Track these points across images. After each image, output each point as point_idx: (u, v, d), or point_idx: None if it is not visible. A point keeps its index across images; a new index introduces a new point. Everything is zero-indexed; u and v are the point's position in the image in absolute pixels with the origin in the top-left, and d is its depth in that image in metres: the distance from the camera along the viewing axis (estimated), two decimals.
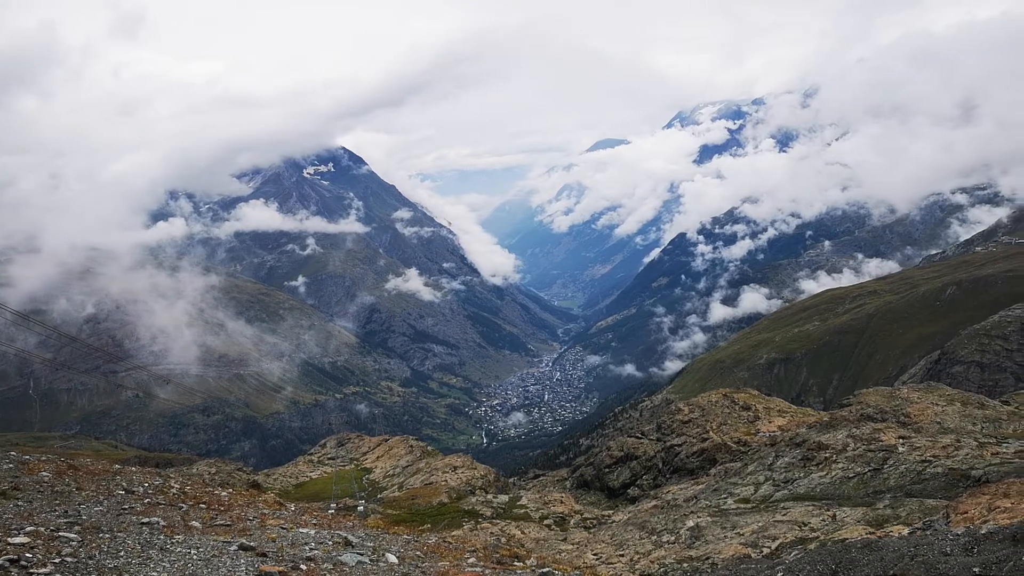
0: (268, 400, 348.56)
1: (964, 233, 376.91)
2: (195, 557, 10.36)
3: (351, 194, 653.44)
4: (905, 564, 12.18)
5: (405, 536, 16.09)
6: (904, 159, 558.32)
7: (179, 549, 10.79)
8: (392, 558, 11.86)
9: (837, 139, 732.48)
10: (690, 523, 38.73)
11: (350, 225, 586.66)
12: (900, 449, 41.85)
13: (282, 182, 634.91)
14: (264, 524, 14.58)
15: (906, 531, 23.12)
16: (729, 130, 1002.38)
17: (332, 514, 40.27)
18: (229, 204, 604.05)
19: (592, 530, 48.74)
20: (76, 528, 11.32)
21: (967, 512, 19.73)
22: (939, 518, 22.57)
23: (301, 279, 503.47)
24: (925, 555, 12.44)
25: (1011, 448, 37.82)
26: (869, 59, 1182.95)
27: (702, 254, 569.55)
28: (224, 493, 19.63)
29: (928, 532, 18.96)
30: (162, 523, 12.91)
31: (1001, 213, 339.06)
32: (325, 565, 10.83)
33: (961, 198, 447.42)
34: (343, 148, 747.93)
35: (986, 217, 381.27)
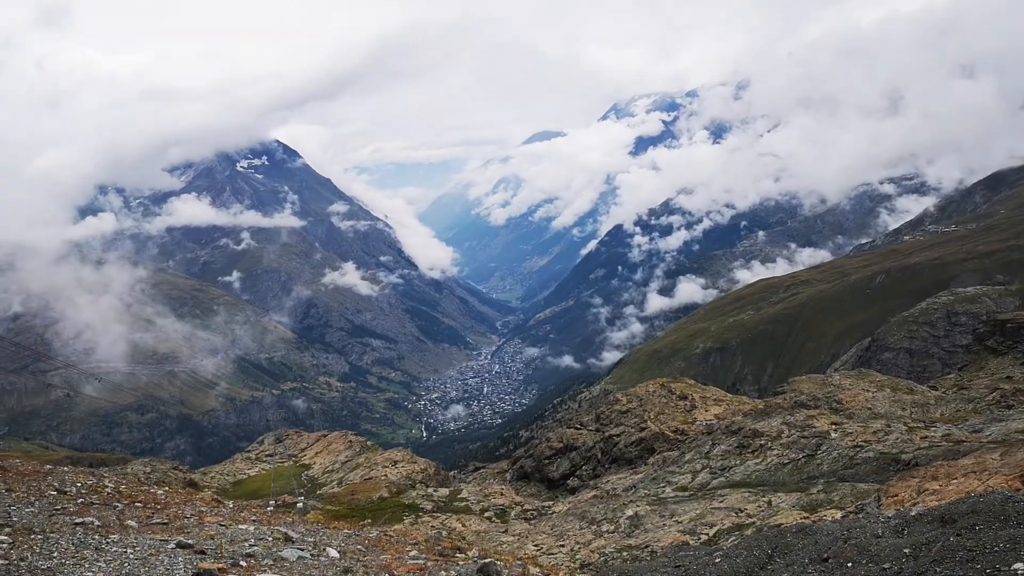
0: (203, 397, 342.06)
1: (893, 222, 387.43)
2: (131, 556, 10.08)
3: (286, 188, 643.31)
4: (839, 547, 12.42)
5: (346, 531, 15.92)
6: (834, 150, 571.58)
7: (115, 549, 10.48)
8: (333, 552, 11.70)
9: (769, 131, 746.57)
10: (629, 512, 39.13)
11: (285, 219, 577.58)
12: (833, 435, 42.88)
13: (215, 176, 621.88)
14: (202, 522, 14.26)
15: (839, 515, 23.68)
16: (664, 122, 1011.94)
17: (271, 511, 39.67)
18: (160, 199, 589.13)
19: (533, 521, 48.93)
20: (6, 530, 10.91)
21: (897, 495, 20.27)
22: (871, 502, 23.15)
23: (236, 274, 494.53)
24: (858, 538, 12.70)
25: (939, 432, 39.04)
26: (798, 52, 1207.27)
27: (639, 245, 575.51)
28: (160, 491, 19.15)
29: (860, 515, 19.45)
30: (96, 523, 12.53)
31: (928, 202, 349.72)
32: (265, 561, 10.63)
33: (889, 188, 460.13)
34: (277, 141, 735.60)
35: (913, 206, 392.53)
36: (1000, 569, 9.55)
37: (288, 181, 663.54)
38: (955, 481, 19.28)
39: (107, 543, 10.86)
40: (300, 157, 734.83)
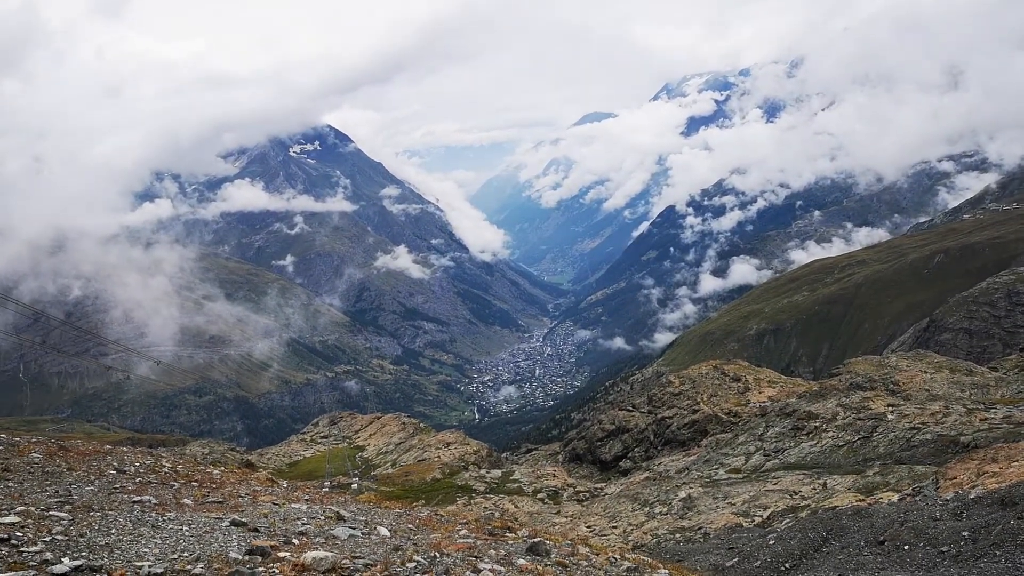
0: (258, 380, 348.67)
1: (952, 200, 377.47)
2: (187, 533, 10.34)
3: (338, 172, 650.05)
4: (895, 530, 12.26)
5: (397, 510, 16.12)
6: (891, 127, 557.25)
7: (170, 526, 10.76)
8: (384, 531, 11.86)
9: (824, 109, 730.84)
10: (682, 494, 39.00)
11: (338, 203, 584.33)
12: (889, 417, 42.13)
13: (268, 161, 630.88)
14: (256, 501, 14.57)
15: (895, 498, 23.29)
16: (716, 101, 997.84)
17: (327, 491, 40.49)
18: (215, 184, 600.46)
19: (585, 503, 49.05)
20: (67, 507, 11.27)
21: (956, 478, 19.87)
22: (928, 484, 22.73)
23: (289, 258, 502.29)
24: (915, 520, 12.52)
25: (999, 414, 38.11)
26: (854, 28, 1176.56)
27: (691, 226, 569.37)
28: (216, 471, 19.61)
29: (918, 498, 19.11)
30: (154, 501, 12.88)
31: (989, 179, 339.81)
32: (317, 539, 10.82)
33: (948, 165, 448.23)
34: (329, 126, 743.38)
35: (974, 184, 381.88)
36: None
37: (340, 165, 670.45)
38: (1016, 464, 18.82)
39: (163, 520, 11.16)
40: (351, 141, 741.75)
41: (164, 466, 18.15)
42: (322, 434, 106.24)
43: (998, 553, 10.15)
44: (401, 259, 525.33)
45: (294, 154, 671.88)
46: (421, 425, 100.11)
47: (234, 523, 11.20)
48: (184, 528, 10.65)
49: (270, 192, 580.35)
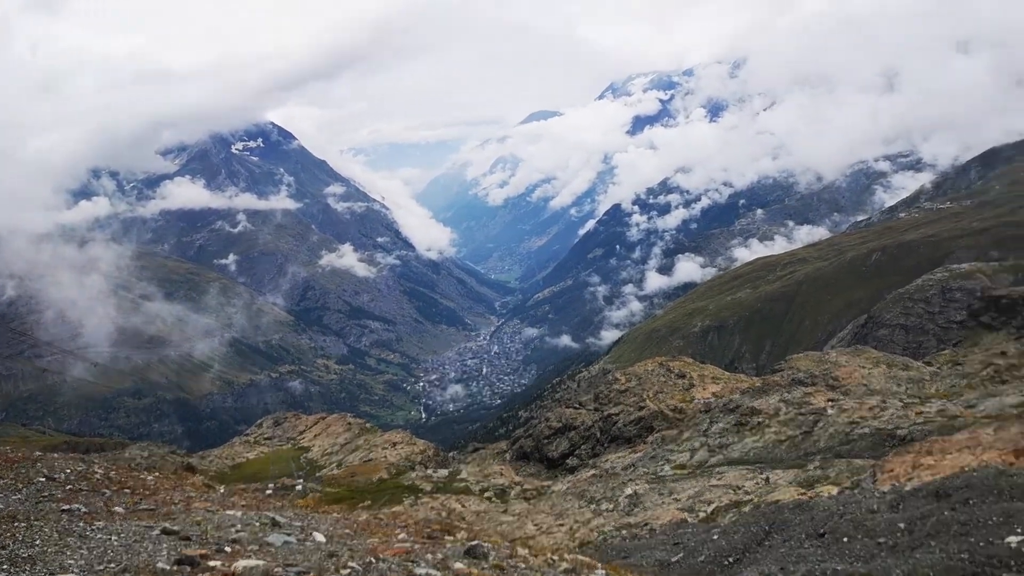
0: (199, 381, 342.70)
1: (889, 199, 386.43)
2: (115, 543, 9.98)
3: (281, 170, 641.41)
4: (835, 522, 12.39)
5: (335, 515, 15.84)
6: (830, 128, 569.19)
7: (99, 535, 10.38)
8: (320, 537, 11.61)
9: (765, 109, 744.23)
10: (628, 490, 39.21)
11: (281, 201, 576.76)
12: (829, 412, 42.92)
13: (209, 158, 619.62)
14: (190, 508, 14.17)
15: (835, 491, 23.68)
16: (661, 101, 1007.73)
17: (270, 494, 39.72)
18: (154, 182, 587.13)
19: (532, 501, 49.06)
20: None
21: (893, 470, 20.25)
22: (866, 477, 23.14)
23: (232, 257, 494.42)
24: (853, 513, 12.68)
25: (933, 408, 39.06)
26: (795, 29, 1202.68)
27: (637, 224, 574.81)
28: (150, 477, 19.06)
29: (856, 491, 19.42)
30: (83, 510, 12.43)
31: (923, 179, 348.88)
32: (251, 547, 10.53)
33: (885, 165, 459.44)
34: (272, 123, 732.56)
35: (909, 183, 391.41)
36: (993, 542, 9.50)
37: (283, 163, 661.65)
38: (949, 456, 19.25)
39: (92, 530, 10.77)
40: (295, 139, 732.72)
41: (96, 472, 17.58)
42: (266, 435, 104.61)
43: (932, 544, 10.29)
44: (346, 257, 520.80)
45: (236, 151, 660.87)
46: (367, 425, 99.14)
47: (165, 531, 10.86)
48: (113, 538, 10.28)
49: (211, 190, 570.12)
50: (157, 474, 20.93)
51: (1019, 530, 9.54)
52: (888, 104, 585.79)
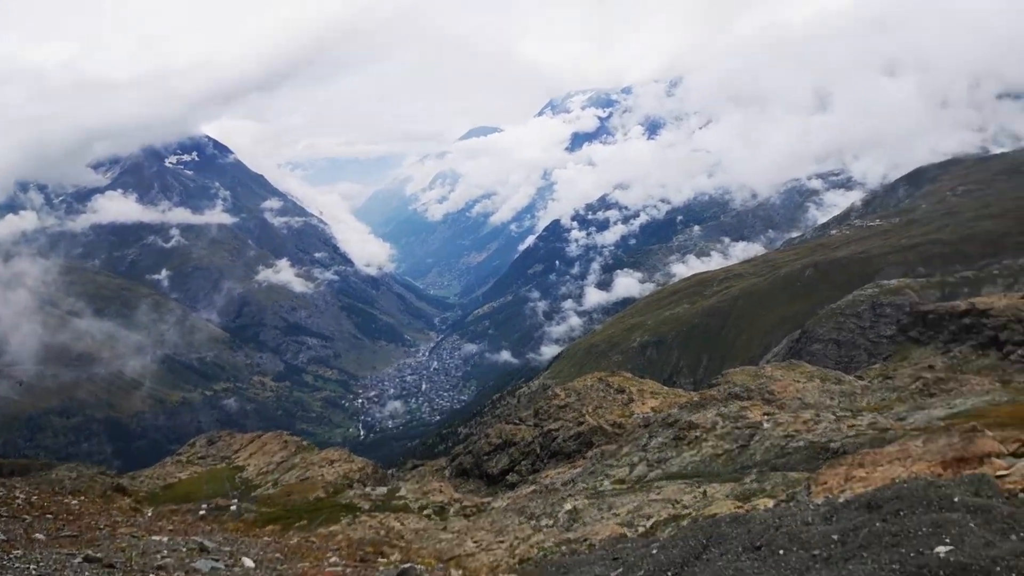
0: (130, 399, 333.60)
1: (821, 216, 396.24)
2: (34, 573, 9.53)
3: (217, 184, 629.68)
4: (771, 535, 12.49)
5: (266, 538, 15.46)
6: (764, 146, 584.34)
7: (17, 565, 9.90)
8: (249, 562, 11.30)
9: (702, 127, 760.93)
10: (568, 506, 39.18)
11: (216, 216, 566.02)
12: (765, 425, 43.57)
13: (142, 172, 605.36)
14: (115, 533, 13.66)
15: (771, 504, 23.98)
16: (599, 118, 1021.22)
17: (203, 515, 38.66)
18: (85, 196, 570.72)
19: (472, 518, 48.72)
20: None
21: (826, 483, 20.57)
22: (801, 490, 23.48)
23: (165, 272, 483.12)
24: (789, 525, 12.79)
25: (865, 421, 39.95)
26: (729, 50, 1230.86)
27: (576, 240, 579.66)
28: (75, 502, 18.37)
29: (791, 504, 19.69)
30: (1, 537, 11.89)
31: (854, 197, 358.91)
32: (176, 573, 10.18)
33: (817, 183, 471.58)
34: (208, 136, 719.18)
35: (840, 201, 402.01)
36: (923, 553, 9.66)
37: (219, 177, 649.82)
38: (881, 468, 19.63)
39: (9, 559, 10.28)
40: (231, 152, 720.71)
41: (17, 497, 16.87)
42: (199, 455, 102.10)
43: (865, 555, 10.43)
44: (283, 273, 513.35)
45: (170, 164, 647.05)
46: (304, 443, 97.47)
47: (87, 559, 10.42)
48: (31, 567, 9.82)
49: (144, 204, 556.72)
50: (83, 498, 20.19)
51: (948, 540, 9.72)
52: (819, 123, 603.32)
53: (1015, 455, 17.13)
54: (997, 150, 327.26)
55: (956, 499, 10.91)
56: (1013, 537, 9.56)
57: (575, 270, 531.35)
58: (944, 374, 52.92)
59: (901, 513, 11.01)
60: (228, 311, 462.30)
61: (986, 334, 58.82)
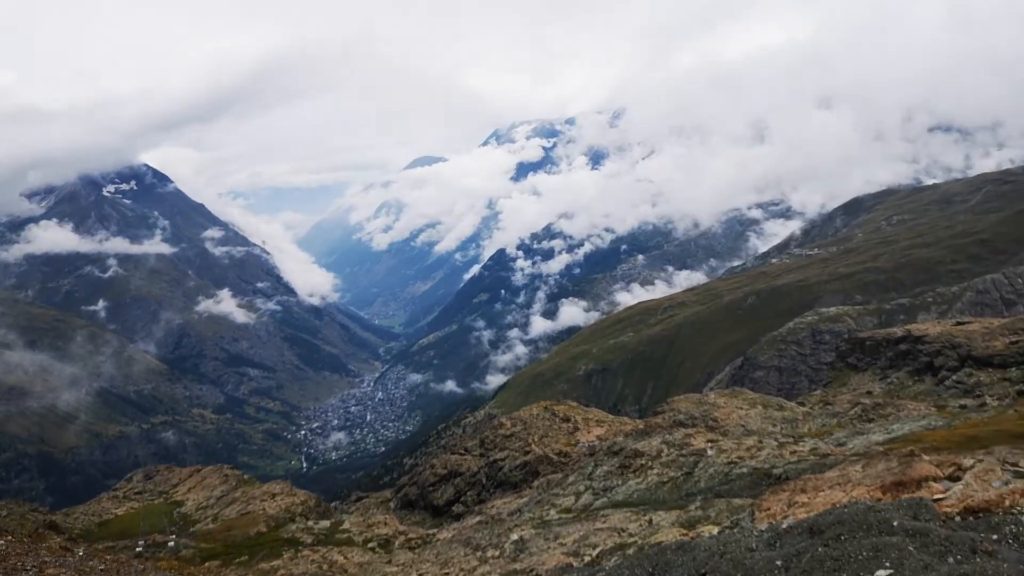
0: (64, 434, 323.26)
1: (761, 245, 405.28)
2: None
3: (156, 213, 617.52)
4: (715, 562, 12.51)
5: None
6: (705, 176, 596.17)
7: None
8: None
9: (644, 157, 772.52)
10: (514, 536, 38.90)
11: (155, 246, 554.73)
12: (709, 452, 43.93)
13: (79, 201, 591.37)
14: (43, 574, 13.13)
15: (716, 530, 24.10)
16: (544, 148, 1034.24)
17: (139, 552, 37.52)
18: (19, 225, 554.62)
19: (417, 550, 48.09)
20: None
21: (770, 509, 20.77)
22: (745, 516, 23.67)
23: (101, 303, 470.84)
24: (733, 552, 12.84)
25: (807, 446, 40.56)
26: (670, 82, 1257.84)
27: (521, 269, 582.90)
28: (1, 542, 17.65)
29: (735, 530, 19.81)
30: None
31: (793, 226, 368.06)
32: None
33: (757, 213, 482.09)
34: (146, 165, 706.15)
35: (780, 230, 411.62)
36: None
37: (158, 206, 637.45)
38: (822, 493, 19.90)
39: None
40: (171, 182, 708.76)
41: None
42: (136, 490, 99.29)
43: None
44: (224, 303, 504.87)
45: (108, 194, 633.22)
46: (245, 477, 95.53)
47: None
48: None
49: (80, 234, 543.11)
50: (10, 537, 19.39)
51: (887, 564, 9.85)
52: (758, 155, 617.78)
53: (951, 479, 17.50)
54: (929, 181, 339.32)
55: (895, 523, 11.08)
56: (951, 560, 9.73)
57: (520, 299, 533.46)
58: (882, 399, 54.08)
59: (842, 538, 11.14)
60: (167, 342, 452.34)
61: (921, 360, 60.32)
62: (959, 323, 64.28)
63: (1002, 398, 47.50)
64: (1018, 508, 11.70)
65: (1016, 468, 18.52)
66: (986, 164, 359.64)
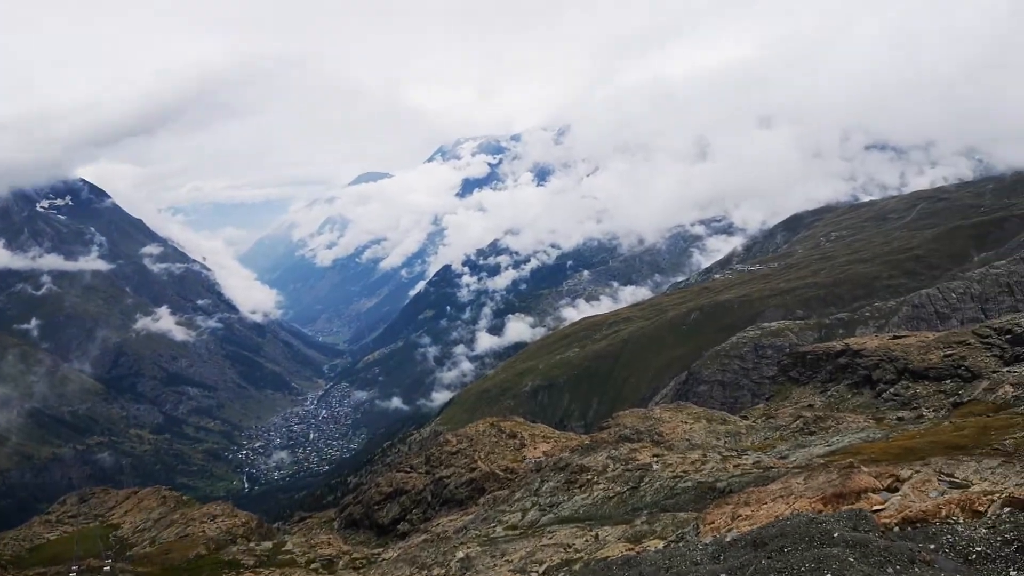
0: None
1: (704, 261, 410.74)
2: None
3: (92, 229, 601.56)
4: None
5: None
6: (649, 193, 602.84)
7: None
8: None
9: (589, 174, 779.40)
10: (460, 554, 38.62)
11: (92, 262, 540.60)
12: (654, 467, 44.21)
13: (11, 216, 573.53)
14: None
15: (661, 545, 24.20)
16: (489, 164, 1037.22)
17: None
18: None
19: (362, 570, 47.49)
20: None
21: (714, 522, 20.93)
22: (690, 530, 23.82)
23: (34, 321, 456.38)
24: (678, 566, 12.90)
25: (750, 460, 41.07)
26: (614, 100, 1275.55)
27: (467, 285, 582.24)
28: None
29: (680, 544, 19.91)
30: None
31: (735, 242, 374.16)
32: None
33: (700, 229, 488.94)
34: (83, 180, 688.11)
35: (723, 246, 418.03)
36: None
37: (95, 222, 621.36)
38: (765, 506, 20.13)
39: None
40: (109, 197, 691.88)
41: None
42: (70, 513, 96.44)
43: None
44: (163, 321, 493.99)
45: (42, 209, 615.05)
46: (184, 498, 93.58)
47: None
48: None
49: (12, 250, 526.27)
50: None
51: (829, 575, 9.97)
52: (701, 172, 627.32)
53: (889, 490, 17.84)
54: (866, 198, 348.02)
55: (836, 534, 11.24)
56: (890, 570, 9.89)
57: (466, 315, 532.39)
58: (823, 412, 55.09)
59: (785, 550, 11.26)
60: (103, 361, 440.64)
61: (860, 373, 61.59)
62: (896, 337, 65.84)
63: (938, 410, 48.72)
64: (954, 518, 11.96)
65: (952, 479, 18.98)
66: (920, 182, 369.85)
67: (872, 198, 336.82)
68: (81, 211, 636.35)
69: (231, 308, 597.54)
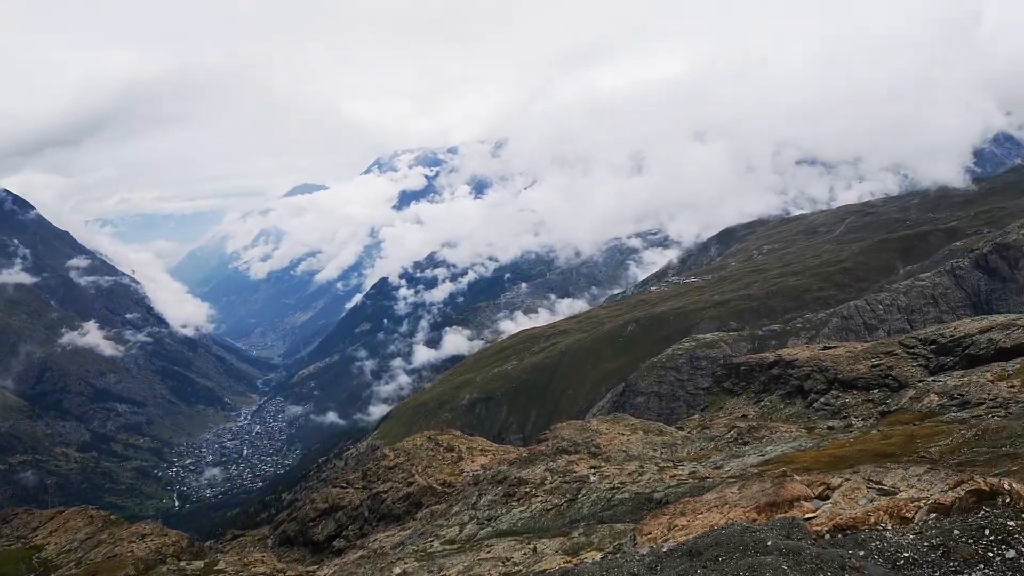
0: None
1: (641, 274, 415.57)
2: None
3: (16, 241, 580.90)
4: None
5: None
6: (586, 206, 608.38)
7: None
8: None
9: (527, 187, 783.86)
10: (397, 570, 38.20)
11: (14, 275, 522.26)
12: (592, 478, 44.37)
13: None
14: None
15: (599, 556, 24.28)
16: (426, 177, 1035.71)
17: None
18: None
19: None
20: None
21: (651, 533, 21.07)
22: (627, 541, 23.94)
23: None
24: None
25: (686, 470, 41.53)
26: (552, 113, 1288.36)
27: (404, 298, 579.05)
28: None
29: (618, 555, 20.00)
30: None
31: (671, 255, 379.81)
32: None
33: (636, 242, 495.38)
34: (6, 191, 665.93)
35: (658, 259, 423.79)
36: None
37: (18, 234, 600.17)
38: (701, 516, 20.36)
39: None
40: (33, 208, 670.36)
41: None
42: None
43: None
44: (90, 335, 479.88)
45: None
46: (112, 517, 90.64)
47: None
48: None
49: None
50: None
51: None
52: (637, 185, 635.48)
53: (820, 498, 18.21)
54: (796, 212, 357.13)
55: (769, 543, 11.42)
56: None
57: (403, 328, 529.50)
58: (756, 423, 56.01)
59: (720, 559, 11.39)
60: (26, 377, 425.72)
61: (792, 384, 62.77)
62: (826, 348, 67.30)
63: (866, 419, 49.91)
64: (882, 524, 12.26)
65: (880, 486, 19.44)
66: (848, 196, 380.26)
67: (803, 212, 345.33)
68: (3, 222, 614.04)
69: (161, 322, 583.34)
